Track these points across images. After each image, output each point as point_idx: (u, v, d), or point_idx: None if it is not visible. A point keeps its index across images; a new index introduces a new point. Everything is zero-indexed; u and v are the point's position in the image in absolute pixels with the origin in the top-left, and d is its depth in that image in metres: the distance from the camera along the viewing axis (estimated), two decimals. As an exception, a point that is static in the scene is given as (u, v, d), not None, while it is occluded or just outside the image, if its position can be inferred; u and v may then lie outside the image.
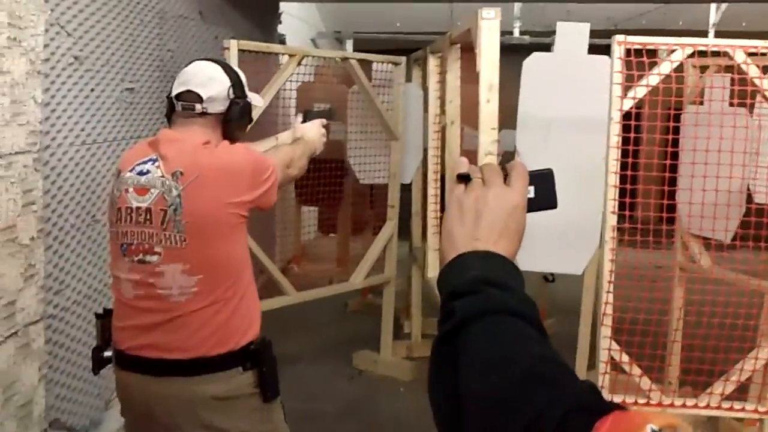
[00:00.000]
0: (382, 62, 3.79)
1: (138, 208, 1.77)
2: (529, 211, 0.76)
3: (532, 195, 0.77)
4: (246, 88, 1.95)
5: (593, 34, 8.29)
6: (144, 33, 3.22)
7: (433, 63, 3.34)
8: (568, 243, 3.04)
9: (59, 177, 2.59)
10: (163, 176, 1.77)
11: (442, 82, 3.38)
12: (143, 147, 1.90)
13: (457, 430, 0.61)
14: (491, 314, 0.64)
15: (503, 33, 7.35)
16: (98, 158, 2.85)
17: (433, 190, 3.45)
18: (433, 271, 3.52)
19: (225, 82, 1.87)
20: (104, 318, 1.94)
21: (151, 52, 3.30)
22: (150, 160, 1.81)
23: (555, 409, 0.53)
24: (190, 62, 1.93)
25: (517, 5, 6.89)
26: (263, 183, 1.84)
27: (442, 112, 3.37)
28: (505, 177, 0.76)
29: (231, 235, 1.80)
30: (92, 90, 2.79)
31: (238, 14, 4.63)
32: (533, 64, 3.21)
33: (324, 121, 2.22)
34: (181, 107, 1.85)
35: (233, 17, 4.53)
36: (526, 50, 7.44)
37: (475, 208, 0.74)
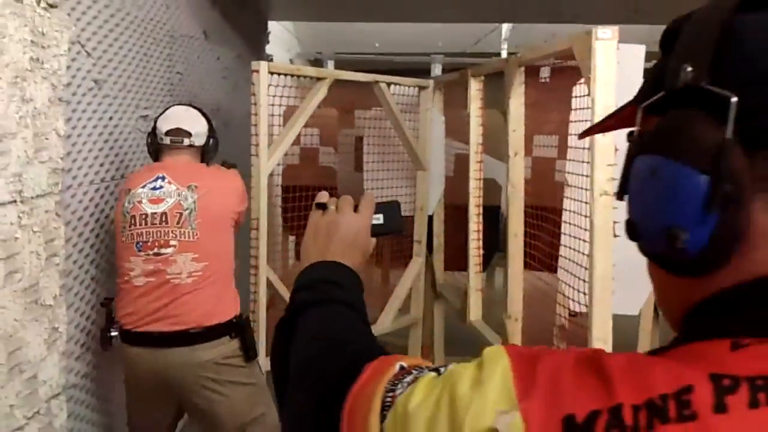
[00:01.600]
0: (409, 86, 3.49)
1: (153, 213, 2.19)
2: (377, 235, 0.92)
3: (381, 221, 0.93)
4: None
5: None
6: (156, 53, 2.85)
7: (475, 87, 3.06)
8: (624, 283, 2.80)
9: (80, 222, 2.20)
10: (178, 189, 2.23)
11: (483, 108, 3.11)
12: (145, 171, 2.30)
13: (284, 393, 0.73)
14: (325, 302, 0.79)
15: (489, 55, 7.11)
16: (116, 197, 2.47)
17: (475, 225, 3.16)
18: (475, 314, 3.21)
19: (204, 122, 2.41)
20: (108, 305, 2.32)
21: (163, 74, 2.94)
22: (159, 178, 2.25)
23: (343, 362, 0.65)
24: (169, 107, 2.42)
25: (506, 26, 6.72)
26: (245, 202, 2.44)
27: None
28: (356, 207, 0.92)
29: (228, 234, 2.31)
30: (110, 118, 2.41)
31: (235, 34, 4.28)
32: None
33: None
34: (170, 141, 2.31)
35: (230, 36, 4.18)
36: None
37: (327, 230, 0.90)
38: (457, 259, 3.95)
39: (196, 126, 2.36)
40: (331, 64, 7.20)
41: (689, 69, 0.50)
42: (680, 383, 0.45)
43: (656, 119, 0.53)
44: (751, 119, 0.47)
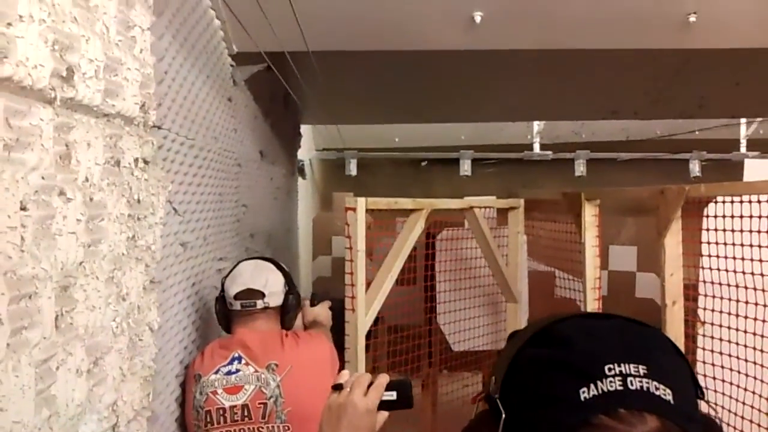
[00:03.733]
0: (501, 207, 3.06)
1: (233, 407, 1.80)
2: (390, 409, 1.00)
3: (394, 398, 1.00)
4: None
5: (606, 146, 7.83)
6: (227, 189, 2.39)
7: (591, 213, 2.64)
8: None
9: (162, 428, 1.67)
10: (256, 371, 1.83)
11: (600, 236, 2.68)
12: (217, 349, 1.89)
13: None
14: None
15: (523, 148, 6.79)
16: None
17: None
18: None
19: (280, 277, 2.01)
20: None
21: (231, 212, 2.47)
22: (234, 359, 1.85)
23: None
24: (238, 263, 2.02)
25: (537, 123, 6.43)
26: (336, 366, 2.00)
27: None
28: (371, 383, 0.99)
29: None
30: (193, 284, 1.92)
31: (279, 148, 3.86)
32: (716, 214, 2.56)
33: (329, 302, 2.29)
34: (240, 306, 1.92)
35: (279, 152, 3.76)
36: (545, 165, 6.95)
37: (338, 413, 0.98)
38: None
39: (270, 283, 1.97)
40: (353, 162, 6.83)
41: (493, 381, 0.70)
42: None
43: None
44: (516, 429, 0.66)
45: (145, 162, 1.47)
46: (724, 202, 2.35)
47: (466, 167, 6.79)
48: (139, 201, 1.43)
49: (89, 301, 1.18)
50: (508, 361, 0.70)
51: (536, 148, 6.59)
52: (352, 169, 6.86)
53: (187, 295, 1.85)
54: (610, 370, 0.64)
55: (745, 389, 2.34)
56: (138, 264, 1.44)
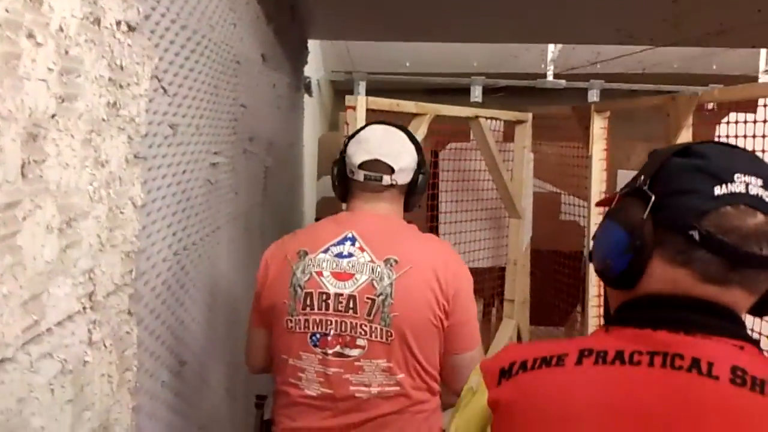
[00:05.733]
0: (507, 120, 2.97)
1: (339, 294, 1.61)
2: None
3: None
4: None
5: (621, 77, 7.62)
6: (223, 83, 2.31)
7: (600, 125, 2.55)
8: None
9: (154, 317, 1.65)
10: (372, 261, 1.62)
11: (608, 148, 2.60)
12: (331, 225, 1.72)
13: None
14: None
15: (536, 76, 6.63)
16: (187, 271, 1.92)
17: (595, 289, 2.64)
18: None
19: (412, 151, 1.77)
20: (262, 406, 1.87)
21: (229, 108, 2.40)
22: (347, 239, 1.65)
23: None
24: (364, 126, 1.81)
25: (551, 48, 6.23)
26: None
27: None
28: None
29: (435, 338, 1.65)
30: (183, 172, 1.87)
31: (286, 56, 3.76)
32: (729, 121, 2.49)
33: None
34: (363, 177, 1.71)
35: (283, 59, 3.65)
36: (557, 95, 6.79)
37: None
38: (542, 313, 3.44)
39: (402, 157, 1.73)
40: (362, 85, 6.68)
41: (642, 178, 0.94)
42: (563, 351, 0.92)
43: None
44: (660, 211, 0.90)
45: (129, 27, 1.39)
46: (741, 115, 2.27)
47: (476, 93, 6.63)
48: (122, 67, 1.36)
49: (62, 158, 1.13)
50: (657, 165, 0.93)
51: (549, 77, 6.42)
52: (361, 92, 6.71)
53: (177, 180, 1.79)
54: (737, 177, 0.87)
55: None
56: (120, 133, 1.38)
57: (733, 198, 0.86)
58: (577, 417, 0.85)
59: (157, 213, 1.65)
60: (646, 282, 0.91)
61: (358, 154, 1.70)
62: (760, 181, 0.87)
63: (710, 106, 2.87)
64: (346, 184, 1.75)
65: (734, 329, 0.86)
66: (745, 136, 2.40)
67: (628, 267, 0.90)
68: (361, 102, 2.17)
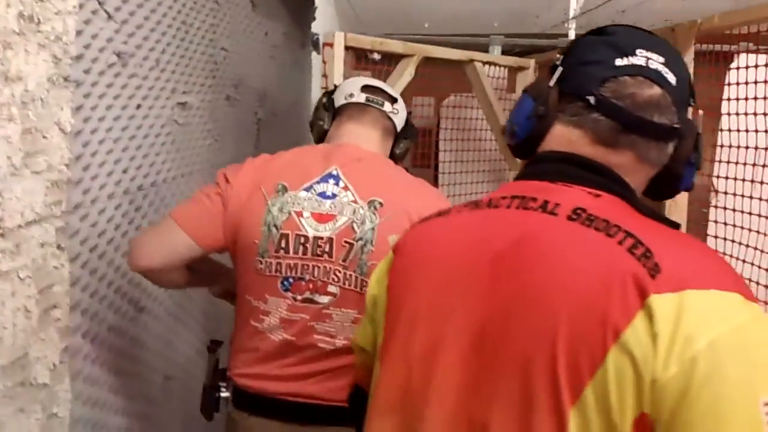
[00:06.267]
0: (506, 66, 2.81)
1: (318, 238, 1.48)
2: None
3: None
4: None
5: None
6: (198, 22, 2.20)
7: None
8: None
9: (94, 254, 1.56)
10: (355, 201, 1.50)
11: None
12: (316, 158, 1.55)
13: None
14: None
15: (557, 36, 6.39)
16: (144, 213, 1.83)
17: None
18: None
19: (402, 103, 1.73)
20: (216, 350, 1.70)
21: (204, 49, 2.28)
22: (330, 176, 1.52)
23: None
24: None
25: (573, 6, 5.98)
26: None
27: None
28: None
29: None
30: (138, 106, 1.76)
31: (284, 6, 3.62)
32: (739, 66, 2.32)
33: None
34: (366, 99, 1.63)
35: (279, 9, 3.52)
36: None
37: None
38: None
39: (399, 100, 1.70)
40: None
41: (558, 56, 0.98)
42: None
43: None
44: (565, 81, 0.95)
45: (51, -65, 1.28)
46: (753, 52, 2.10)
47: (496, 53, 6.43)
48: (40, -22, 1.25)
49: (-50, 64, 1.02)
50: (573, 42, 0.99)
51: (571, 35, 6.18)
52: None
53: (128, 114, 1.69)
54: (640, 52, 0.91)
55: (759, 267, 2.14)
56: (41, 51, 1.27)
57: (632, 69, 0.90)
58: (441, 257, 0.93)
59: (99, 144, 1.55)
60: (547, 143, 0.95)
61: (357, 82, 1.64)
62: (662, 59, 0.91)
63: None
64: (337, 111, 1.65)
65: (602, 182, 0.88)
66: (756, 82, 2.23)
67: (530, 132, 0.96)
68: (338, 38, 2.03)
